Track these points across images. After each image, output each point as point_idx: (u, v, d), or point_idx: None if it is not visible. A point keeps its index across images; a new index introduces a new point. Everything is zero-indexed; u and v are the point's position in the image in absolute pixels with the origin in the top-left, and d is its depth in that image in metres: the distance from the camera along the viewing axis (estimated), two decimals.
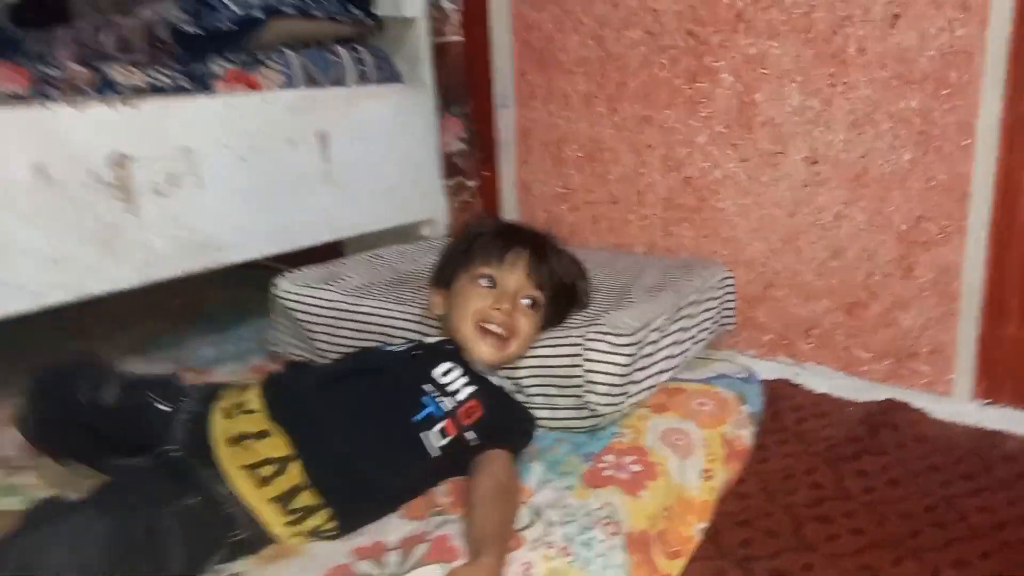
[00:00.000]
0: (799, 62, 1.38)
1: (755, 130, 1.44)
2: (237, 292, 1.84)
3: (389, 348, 1.13)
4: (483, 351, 1.07)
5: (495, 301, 1.07)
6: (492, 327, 1.06)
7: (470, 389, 1.02)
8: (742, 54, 1.43)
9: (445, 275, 1.16)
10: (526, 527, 0.90)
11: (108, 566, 0.75)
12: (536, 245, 1.13)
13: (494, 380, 1.09)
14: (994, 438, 1.26)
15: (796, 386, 1.45)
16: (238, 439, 0.91)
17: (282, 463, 0.89)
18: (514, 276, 1.09)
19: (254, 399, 0.96)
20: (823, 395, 1.42)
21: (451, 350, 1.08)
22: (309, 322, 1.30)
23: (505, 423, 1.05)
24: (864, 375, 1.41)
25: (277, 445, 0.90)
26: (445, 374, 1.03)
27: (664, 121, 1.55)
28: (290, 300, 1.31)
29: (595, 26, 1.59)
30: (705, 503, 1.06)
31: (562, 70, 1.66)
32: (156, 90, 1.30)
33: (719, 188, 1.51)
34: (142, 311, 1.74)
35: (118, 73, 1.25)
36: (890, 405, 1.34)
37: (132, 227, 1.25)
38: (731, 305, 1.44)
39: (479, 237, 1.15)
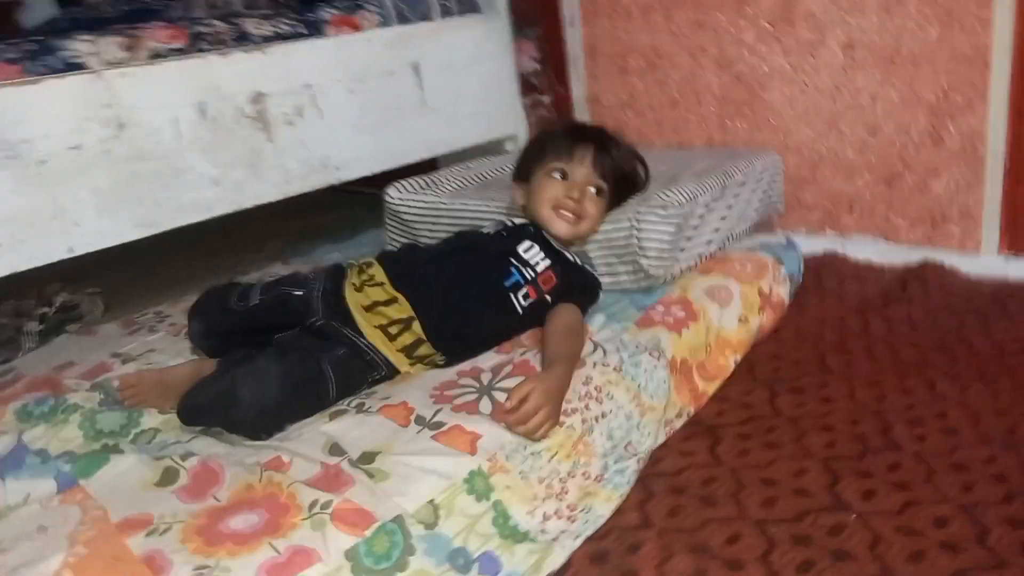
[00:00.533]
0: None
1: (796, 23, 1.58)
2: (350, 212, 2.17)
3: (483, 231, 1.38)
4: (560, 229, 1.30)
5: (567, 190, 1.30)
6: (565, 212, 1.30)
7: (547, 262, 1.27)
8: None
9: (524, 170, 1.40)
10: (588, 355, 1.16)
11: (283, 398, 1.05)
12: (599, 141, 1.34)
13: (567, 254, 1.34)
14: (1013, 286, 1.40)
15: (841, 256, 1.62)
16: (372, 306, 1.18)
17: (407, 322, 1.17)
18: (582, 168, 1.31)
19: (379, 273, 1.24)
20: (865, 262, 1.59)
21: (533, 231, 1.32)
22: (414, 221, 1.58)
23: (575, 286, 1.29)
24: (902, 241, 1.57)
25: (402, 309, 1.17)
26: (527, 250, 1.27)
27: (715, 24, 1.70)
28: (398, 204, 1.60)
29: None
30: (741, 341, 1.28)
31: None
32: (280, 37, 1.58)
33: (767, 81, 1.66)
34: (277, 230, 2.10)
35: (251, 25, 1.54)
36: (923, 265, 1.50)
37: (270, 152, 1.56)
38: (780, 188, 1.61)
39: (551, 136, 1.39)
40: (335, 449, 0.97)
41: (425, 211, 1.56)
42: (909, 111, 1.49)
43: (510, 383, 1.08)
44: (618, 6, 1.84)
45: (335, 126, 1.63)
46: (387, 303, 1.18)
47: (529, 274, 1.24)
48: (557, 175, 1.31)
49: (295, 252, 1.90)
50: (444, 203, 1.55)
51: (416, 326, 1.16)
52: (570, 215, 1.29)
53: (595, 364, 1.13)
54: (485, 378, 1.12)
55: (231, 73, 1.49)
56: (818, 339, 1.32)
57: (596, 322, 1.26)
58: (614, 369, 1.12)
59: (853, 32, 1.51)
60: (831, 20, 1.54)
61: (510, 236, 1.31)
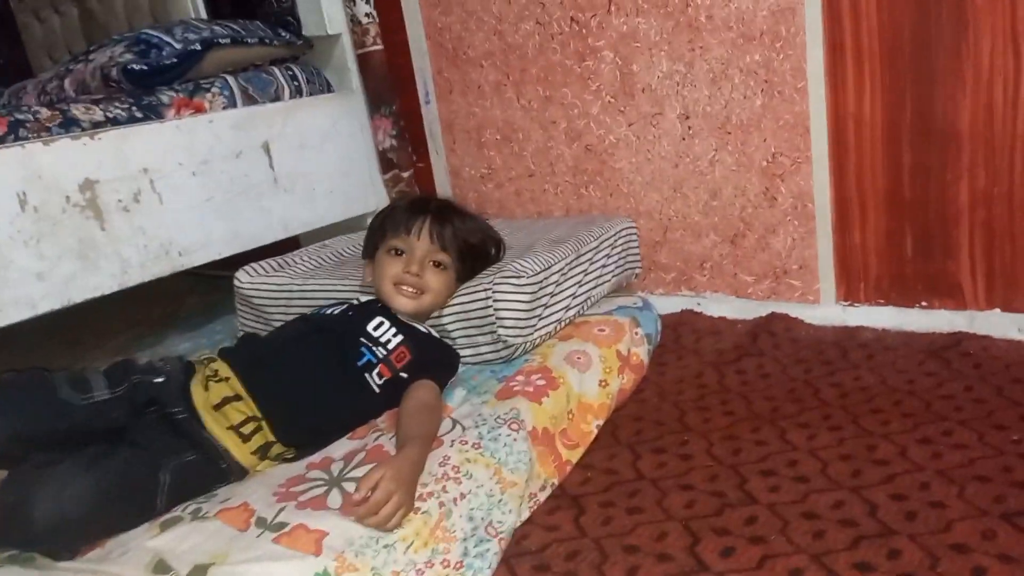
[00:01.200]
0: (663, 33, 1.59)
1: (636, 96, 1.66)
2: (208, 298, 2.06)
3: (327, 312, 1.31)
4: (401, 305, 1.28)
5: (405, 266, 1.28)
6: (405, 288, 1.28)
7: (399, 339, 1.23)
8: (617, 32, 1.65)
9: (369, 248, 1.38)
10: (446, 433, 1.12)
11: (90, 512, 0.91)
12: (437, 213, 1.33)
13: (421, 328, 1.30)
14: (853, 331, 1.48)
15: (697, 313, 1.67)
16: (221, 404, 1.09)
17: (259, 421, 1.09)
18: (420, 243, 1.30)
19: (224, 368, 1.14)
20: (720, 318, 1.64)
21: (381, 307, 1.29)
22: (267, 306, 1.51)
23: (431, 361, 1.26)
24: (751, 296, 1.63)
25: (251, 406, 1.09)
26: (376, 328, 1.23)
27: (563, 98, 1.76)
28: (248, 288, 1.53)
29: (494, 22, 1.81)
30: (602, 405, 1.28)
31: (473, 64, 1.87)
32: (114, 122, 1.51)
33: (614, 151, 1.72)
34: (125, 320, 1.96)
35: (79, 111, 1.46)
36: (771, 317, 1.57)
37: (104, 241, 1.47)
38: (635, 252, 1.66)
39: (391, 212, 1.37)
40: (160, 567, 0.87)
41: (277, 294, 1.50)
42: (744, 174, 1.58)
43: (362, 471, 1.02)
44: (470, 83, 1.88)
45: (177, 211, 1.56)
46: (235, 399, 1.10)
47: (380, 352, 1.20)
48: (397, 251, 1.30)
49: (140, 344, 1.77)
50: (297, 284, 1.49)
51: (267, 426, 1.09)
52: (410, 290, 1.27)
53: (453, 442, 1.09)
54: (336, 468, 1.05)
55: (55, 161, 1.39)
56: (678, 397, 1.34)
57: (456, 397, 1.23)
58: (472, 446, 1.09)
59: (688, 103, 1.60)
60: (667, 93, 1.62)
61: (356, 315, 1.27)
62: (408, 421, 1.10)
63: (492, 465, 1.07)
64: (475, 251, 1.36)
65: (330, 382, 1.17)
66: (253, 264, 1.57)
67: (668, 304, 1.70)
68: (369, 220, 1.96)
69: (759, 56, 1.50)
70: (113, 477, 0.95)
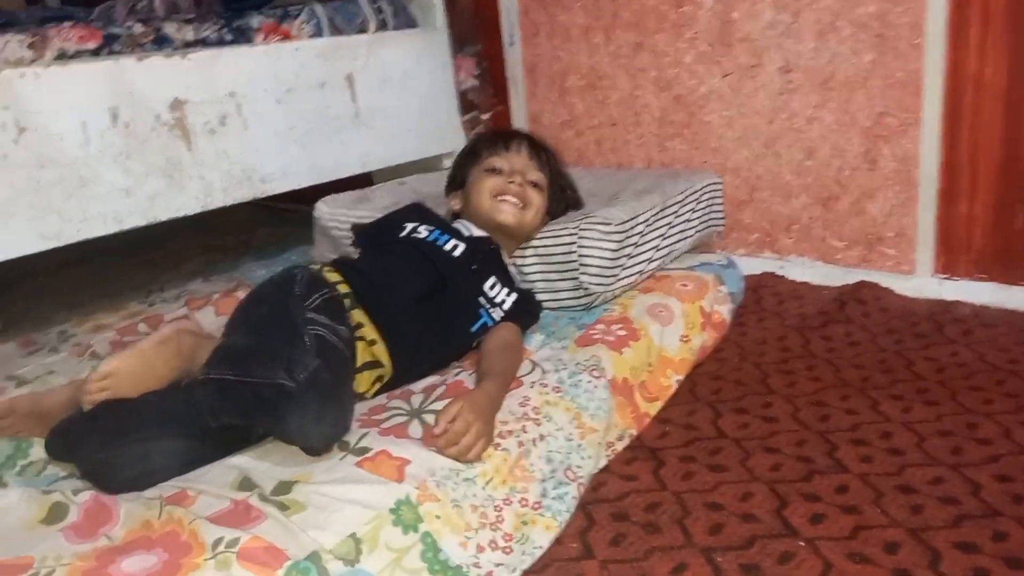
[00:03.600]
0: None
1: (734, 46, 1.58)
2: (279, 229, 2.07)
3: (446, 247, 1.19)
4: (505, 216, 1.24)
5: (507, 177, 1.26)
6: (509, 197, 1.24)
7: (512, 297, 1.20)
8: None
9: (458, 177, 1.35)
10: (526, 374, 1.10)
11: (169, 472, 0.90)
12: (531, 138, 1.34)
13: (517, 277, 1.28)
14: (949, 306, 1.41)
15: (780, 277, 1.61)
16: (361, 369, 1.06)
17: (383, 380, 1.09)
18: (520, 159, 1.29)
19: (369, 328, 1.07)
20: (803, 283, 1.58)
21: (491, 254, 1.22)
22: (344, 237, 1.50)
23: (519, 309, 1.23)
24: (839, 262, 1.57)
25: (388, 371, 1.08)
26: (492, 287, 1.19)
27: (655, 45, 1.70)
28: (328, 219, 1.52)
29: None
30: (683, 361, 1.24)
31: (562, 6, 1.81)
32: (204, 43, 1.50)
33: (705, 103, 1.66)
34: (199, 246, 1.99)
35: (171, 29, 1.46)
36: (860, 285, 1.50)
37: (190, 162, 1.47)
38: (719, 209, 1.60)
39: (483, 137, 1.37)
40: (245, 484, 0.88)
41: None
42: (844, 134, 1.50)
43: (441, 404, 1.01)
44: (558, 26, 1.82)
45: (261, 137, 1.55)
46: (376, 365, 1.08)
47: (497, 314, 1.18)
48: (495, 170, 1.28)
49: (215, 269, 1.79)
50: (376, 217, 1.47)
51: (381, 384, 1.09)
52: (515, 199, 1.24)
53: (533, 384, 1.07)
54: (416, 400, 1.04)
55: (148, 78, 1.39)
56: (759, 358, 1.30)
57: (535, 341, 1.21)
58: (553, 389, 1.07)
59: (789, 56, 1.52)
60: (768, 44, 1.54)
61: (480, 268, 1.20)
62: (489, 358, 1.08)
63: (572, 410, 1.05)
64: (564, 187, 1.34)
65: (447, 351, 1.16)
66: (333, 196, 1.57)
67: (749, 265, 1.64)
68: (444, 161, 1.96)
69: (874, 8, 1.41)
70: (204, 453, 0.94)
